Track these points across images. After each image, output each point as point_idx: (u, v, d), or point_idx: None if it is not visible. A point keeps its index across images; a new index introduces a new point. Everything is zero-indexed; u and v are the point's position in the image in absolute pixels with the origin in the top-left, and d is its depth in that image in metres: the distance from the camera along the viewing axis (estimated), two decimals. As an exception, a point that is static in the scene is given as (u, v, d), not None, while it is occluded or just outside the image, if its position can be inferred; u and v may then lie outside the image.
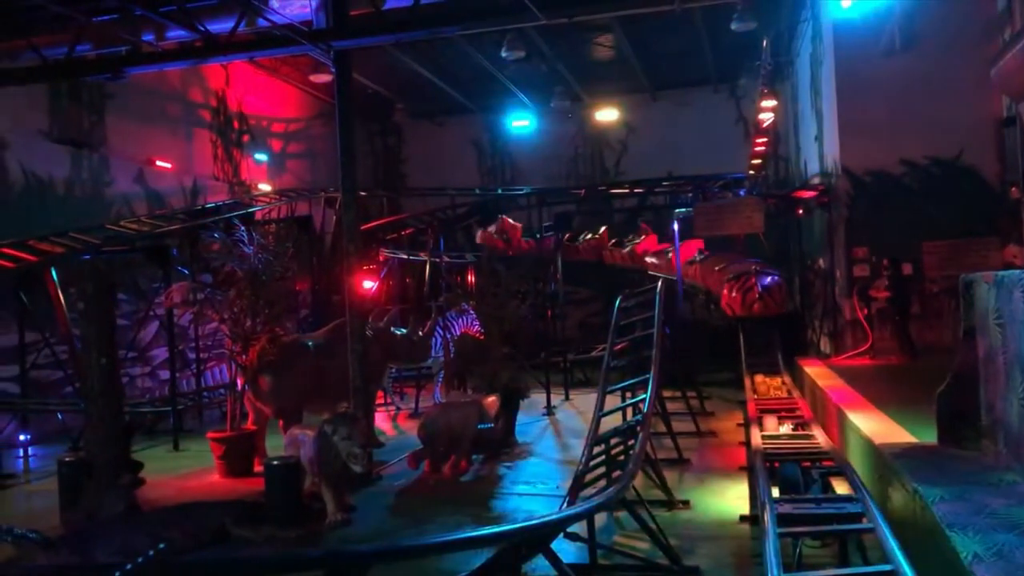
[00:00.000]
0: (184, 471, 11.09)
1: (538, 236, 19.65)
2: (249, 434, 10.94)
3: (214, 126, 19.38)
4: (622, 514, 7.78)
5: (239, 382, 11.21)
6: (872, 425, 7.93)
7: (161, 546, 5.36)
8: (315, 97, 22.95)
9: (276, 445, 10.43)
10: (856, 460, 7.62)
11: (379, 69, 20.92)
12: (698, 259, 17.97)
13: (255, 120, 20.88)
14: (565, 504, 7.46)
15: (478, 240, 20.96)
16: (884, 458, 6.52)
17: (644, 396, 9.41)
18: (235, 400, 11.25)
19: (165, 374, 15.48)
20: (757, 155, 19.31)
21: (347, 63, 10.71)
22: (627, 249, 19.86)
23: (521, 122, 24.51)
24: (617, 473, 8.01)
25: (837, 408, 9.26)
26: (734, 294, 15.79)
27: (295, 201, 19.86)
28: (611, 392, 10.20)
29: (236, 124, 20.12)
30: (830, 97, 15.02)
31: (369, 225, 18.98)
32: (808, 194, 16.55)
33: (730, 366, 16.09)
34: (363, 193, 18.99)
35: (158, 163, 17.34)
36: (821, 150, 16.48)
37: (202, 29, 11.52)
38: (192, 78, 18.70)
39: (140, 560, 3.93)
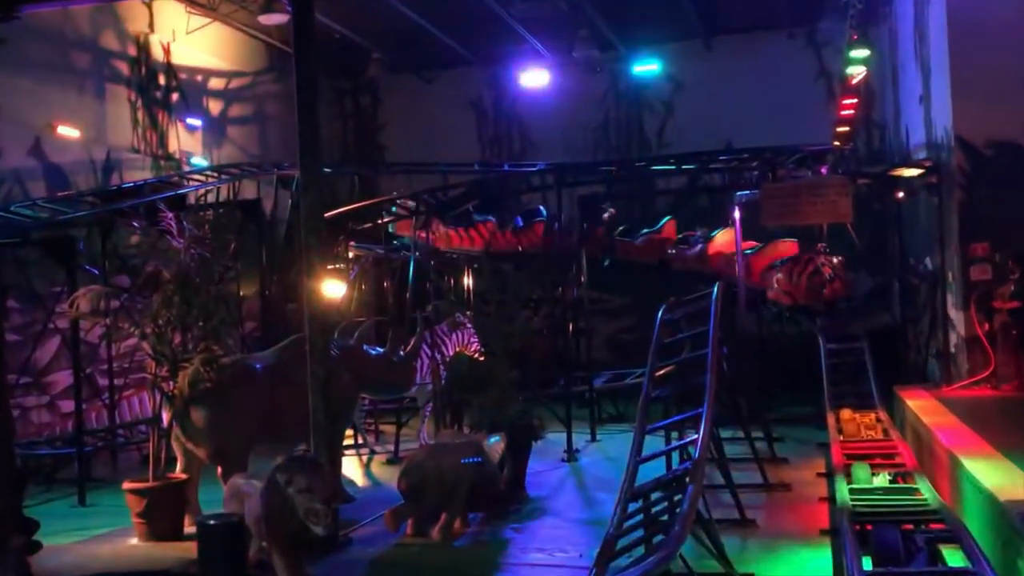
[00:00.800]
0: (93, 532, 11.08)
1: (556, 226, 19.65)
2: (177, 485, 10.94)
3: (134, 82, 19.44)
4: (666, 592, 7.75)
5: (165, 416, 11.21)
6: (995, 476, 7.90)
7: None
8: (266, 44, 23.01)
9: (213, 499, 10.42)
10: (974, 522, 7.59)
11: (350, 8, 20.98)
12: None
13: (187, 74, 20.95)
14: (591, 579, 7.44)
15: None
16: (1011, 519, 6.49)
17: (695, 437, 9.38)
18: (159, 440, 11.26)
19: (68, 405, 15.49)
20: (844, 121, 19.26)
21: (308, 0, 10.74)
22: (697, 249, 19.77)
23: (534, 77, 24.53)
24: (660, 538, 7.98)
25: (949, 453, 9.23)
26: (796, 279, 15.84)
27: (239, 180, 19.92)
28: (651, 432, 10.17)
29: (162, 79, 20.19)
30: (940, 44, 14.99)
31: (336, 212, 19.00)
32: (911, 172, 16.51)
33: (809, 397, 16.05)
34: (328, 170, 18.96)
35: (60, 130, 17.39)
36: (928, 115, 16.45)
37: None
38: (105, 19, 18.77)
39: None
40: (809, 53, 23.05)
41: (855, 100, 18.63)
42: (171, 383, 10.79)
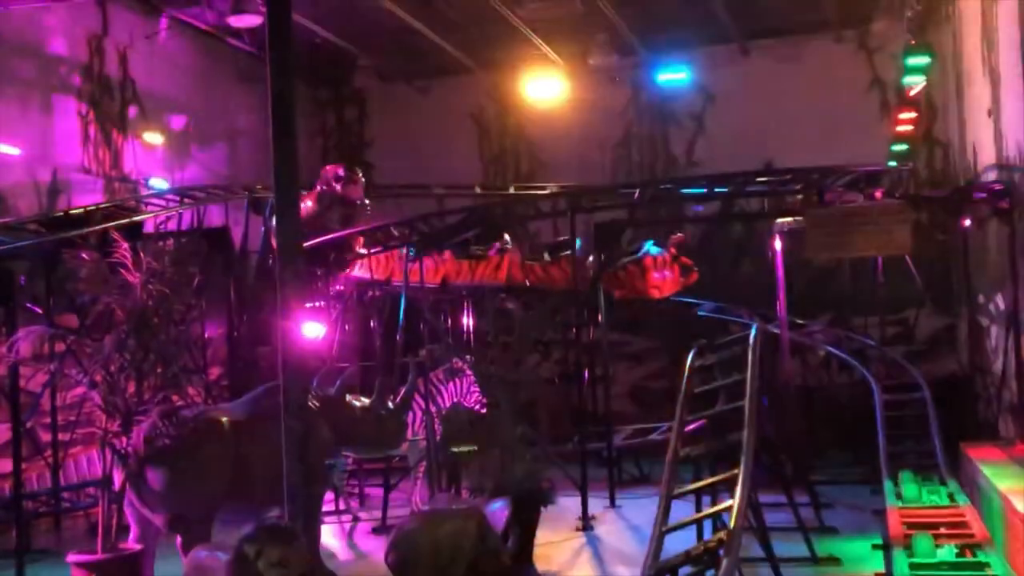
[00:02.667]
0: (32, 613, 11.06)
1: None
2: (130, 557, 10.90)
3: (85, 93, 19.56)
4: None
5: (116, 478, 11.20)
6: (1079, 549, 7.85)
7: None
8: (236, 50, 23.15)
9: (173, 573, 10.36)
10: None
11: (334, 9, 21.13)
12: None
13: (146, 84, 21.06)
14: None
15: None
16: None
17: (730, 503, 9.35)
18: (110, 505, 11.23)
19: (6, 465, 15.46)
20: (901, 138, 19.38)
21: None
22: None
23: (544, 87, 24.67)
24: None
25: (1026, 523, 9.18)
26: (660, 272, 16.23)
27: (204, 205, 19.98)
28: (680, 497, 10.13)
29: (118, 90, 20.31)
30: (1012, 49, 15.05)
31: (316, 241, 19.04)
32: (979, 196, 16.54)
33: (863, 456, 16.00)
34: (307, 192, 19.04)
35: (0, 147, 17.51)
36: (998, 129, 16.49)
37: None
38: (52, 21, 18.91)
39: None
40: (860, 59, 23.16)
41: (914, 114, 18.74)
42: (124, 439, 10.77)
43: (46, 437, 16.23)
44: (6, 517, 13.89)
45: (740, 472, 9.68)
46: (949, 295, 21.06)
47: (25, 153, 17.96)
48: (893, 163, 19.80)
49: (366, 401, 13.08)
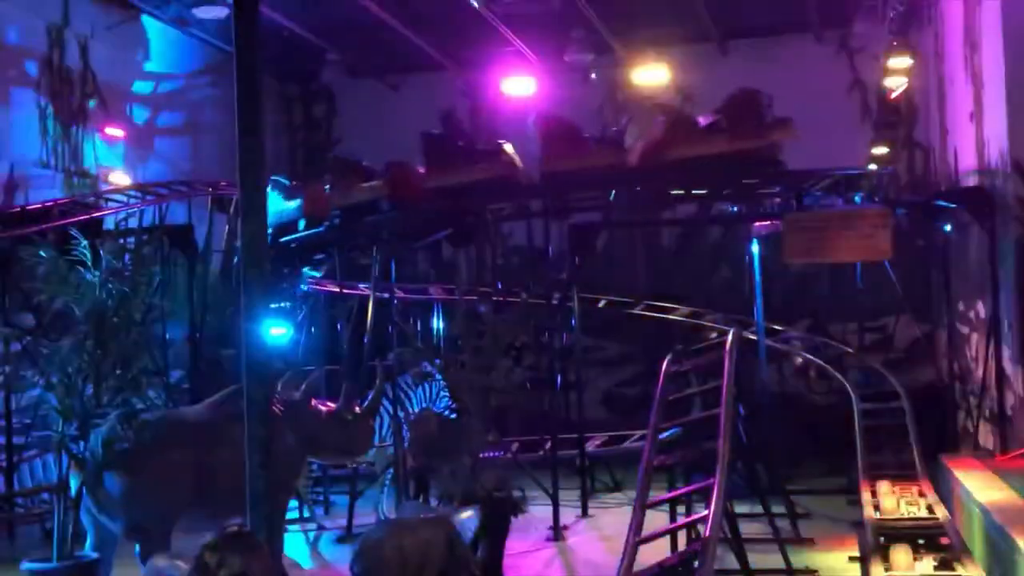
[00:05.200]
0: (-16, 622, 10.98)
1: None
2: (88, 565, 10.85)
3: (43, 85, 19.43)
4: None
5: (74, 483, 11.12)
6: (1060, 563, 7.90)
7: None
8: (201, 42, 23.06)
9: (129, 583, 10.31)
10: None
11: (302, 2, 21.08)
12: None
13: (108, 76, 20.93)
14: None
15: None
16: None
17: (705, 513, 9.37)
18: (66, 511, 11.16)
19: (-42, 469, 15.38)
20: (882, 140, 19.50)
21: (252, -9, 10.78)
22: None
23: (518, 85, 24.62)
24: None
25: (1005, 535, 9.23)
26: None
27: (167, 202, 19.88)
28: (654, 506, 10.14)
29: (78, 82, 20.19)
30: (995, 52, 15.17)
31: (283, 240, 19.00)
32: (960, 201, 16.65)
33: (840, 466, 16.07)
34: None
35: (-46, 141, 17.41)
36: (980, 134, 16.61)
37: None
38: (9, 10, 18.77)
39: None
40: (841, 61, 23.28)
41: (895, 116, 18.86)
42: (81, 443, 10.70)
43: (0, 440, 16.11)
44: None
45: (715, 482, 9.70)
46: (929, 302, 21.18)
47: (-20, 146, 17.84)
48: (873, 166, 19.92)
49: (332, 406, 13.05)
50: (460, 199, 17.48)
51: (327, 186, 17.93)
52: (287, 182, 18.87)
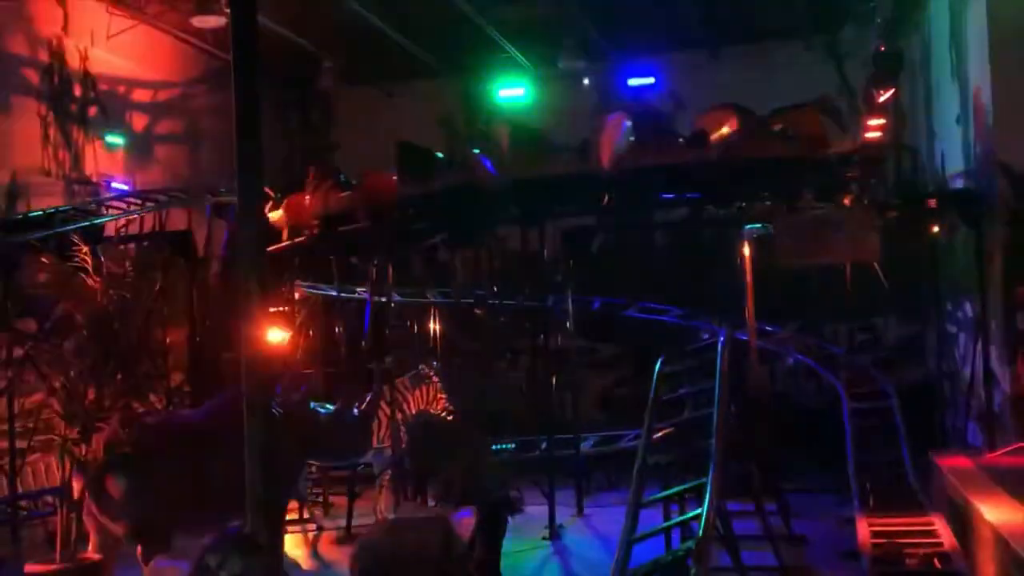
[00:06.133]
0: (-12, 624, 10.96)
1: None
2: (89, 567, 10.85)
3: (45, 93, 19.39)
4: None
5: (75, 486, 11.12)
6: (1047, 558, 7.90)
7: None
8: (199, 50, 23.03)
9: (131, 584, 10.30)
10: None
11: (299, 10, 21.07)
12: None
13: (108, 84, 20.91)
14: None
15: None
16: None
17: (698, 511, 9.37)
18: (69, 514, 11.16)
19: (-39, 473, 15.36)
20: (870, 144, 19.47)
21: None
22: None
23: (513, 91, 24.64)
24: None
25: (994, 532, 9.23)
26: None
27: (167, 208, 19.87)
28: (648, 505, 10.15)
29: (78, 90, 20.17)
30: (981, 57, 15.19)
31: (281, 246, 18.99)
32: (947, 203, 16.66)
33: (831, 465, 16.07)
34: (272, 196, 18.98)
35: (-43, 149, 17.38)
36: (966, 137, 16.63)
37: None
38: (11, 19, 18.75)
39: None
40: (829, 66, 23.27)
41: (883, 120, 18.85)
42: (83, 447, 10.70)
43: (2, 444, 16.08)
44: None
45: (708, 480, 9.71)
46: (917, 302, 21.20)
47: (-17, 154, 17.83)
48: (862, 170, 19.92)
49: (331, 408, 13.05)
50: (431, 208, 17.31)
51: (307, 196, 17.96)
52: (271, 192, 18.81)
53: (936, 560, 8.64)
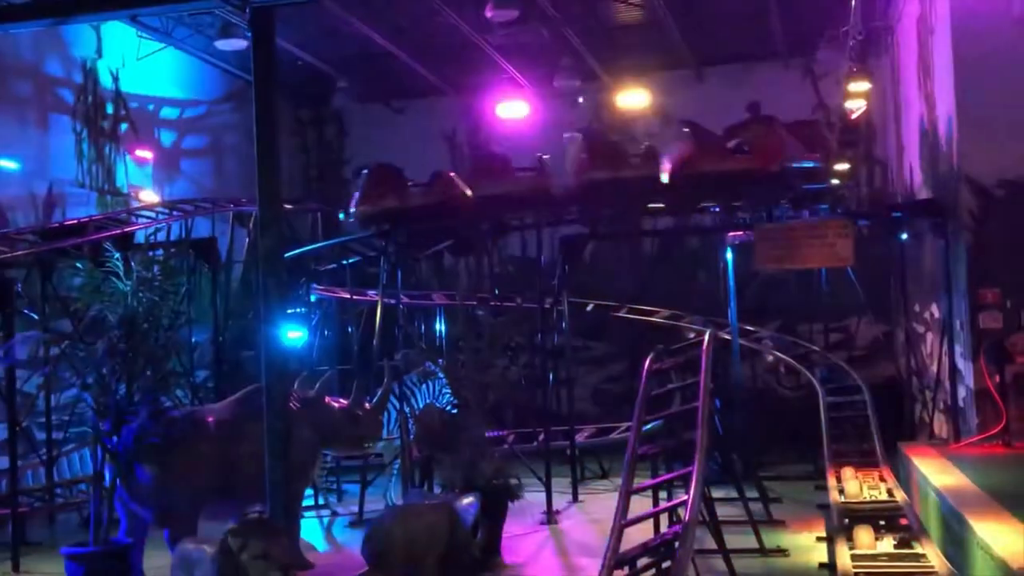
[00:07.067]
0: (27, 602, 10.96)
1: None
2: (122, 549, 10.83)
3: (79, 112, 19.44)
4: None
5: (108, 475, 11.12)
6: (1007, 541, 7.92)
7: None
8: (223, 72, 23.08)
9: (160, 565, 10.28)
10: (986, 591, 7.59)
11: (313, 33, 21.08)
12: None
13: (137, 103, 20.96)
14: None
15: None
16: (1025, 588, 6.51)
17: (684, 498, 9.38)
18: (102, 500, 11.15)
19: (2, 462, 15.33)
20: (843, 157, 19.50)
21: (269, 24, 10.78)
22: None
23: (512, 108, 24.63)
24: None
25: (958, 516, 9.25)
26: None
27: (192, 218, 19.87)
28: (638, 492, 10.15)
29: (110, 109, 20.21)
30: (946, 76, 15.21)
31: (297, 252, 18.99)
32: (915, 212, 16.67)
33: (808, 454, 16.08)
34: (289, 206, 18.98)
35: (0, 163, 17.38)
36: (933, 151, 16.64)
37: (65, -24, 11.62)
38: (50, 44, 18.79)
39: None
40: (806, 85, 23.32)
41: (855, 135, 18.90)
42: (115, 438, 10.71)
43: (40, 436, 16.09)
44: (2, 511, 13.73)
45: (693, 469, 9.72)
46: (887, 304, 21.20)
47: (23, 168, 17.85)
48: (836, 181, 19.93)
49: (344, 402, 13.05)
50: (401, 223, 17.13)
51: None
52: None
53: (905, 543, 8.63)
